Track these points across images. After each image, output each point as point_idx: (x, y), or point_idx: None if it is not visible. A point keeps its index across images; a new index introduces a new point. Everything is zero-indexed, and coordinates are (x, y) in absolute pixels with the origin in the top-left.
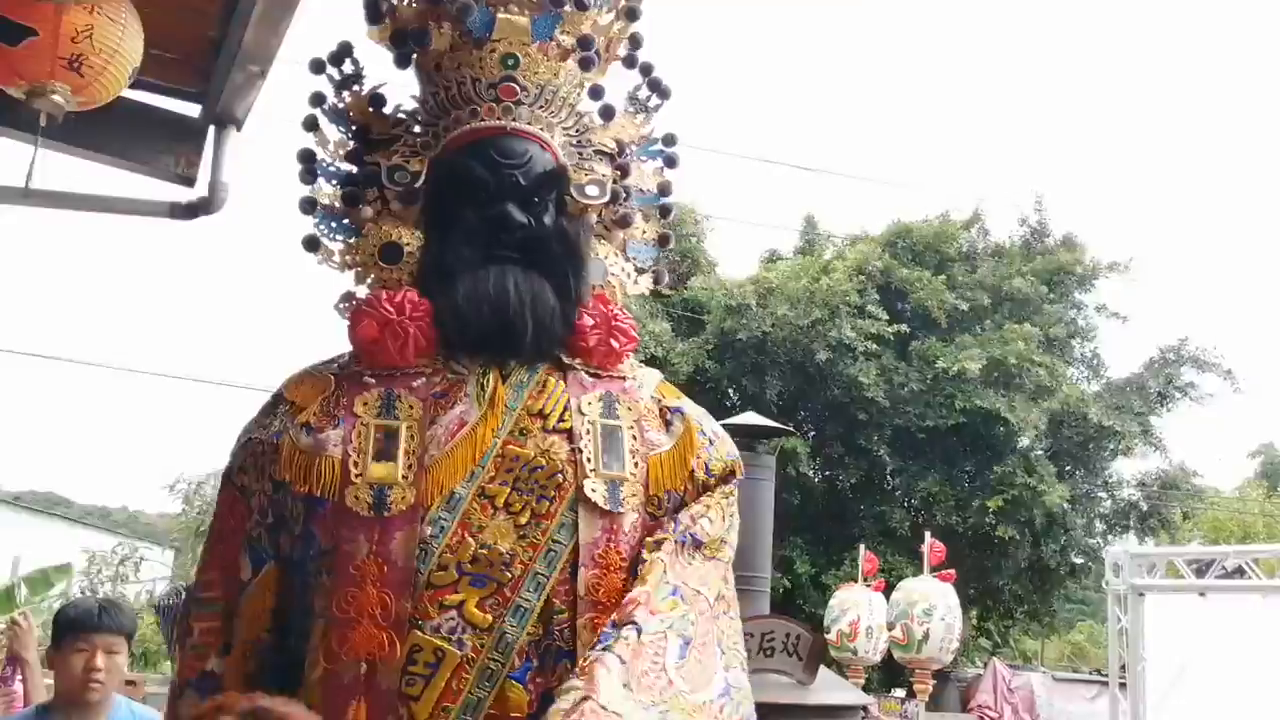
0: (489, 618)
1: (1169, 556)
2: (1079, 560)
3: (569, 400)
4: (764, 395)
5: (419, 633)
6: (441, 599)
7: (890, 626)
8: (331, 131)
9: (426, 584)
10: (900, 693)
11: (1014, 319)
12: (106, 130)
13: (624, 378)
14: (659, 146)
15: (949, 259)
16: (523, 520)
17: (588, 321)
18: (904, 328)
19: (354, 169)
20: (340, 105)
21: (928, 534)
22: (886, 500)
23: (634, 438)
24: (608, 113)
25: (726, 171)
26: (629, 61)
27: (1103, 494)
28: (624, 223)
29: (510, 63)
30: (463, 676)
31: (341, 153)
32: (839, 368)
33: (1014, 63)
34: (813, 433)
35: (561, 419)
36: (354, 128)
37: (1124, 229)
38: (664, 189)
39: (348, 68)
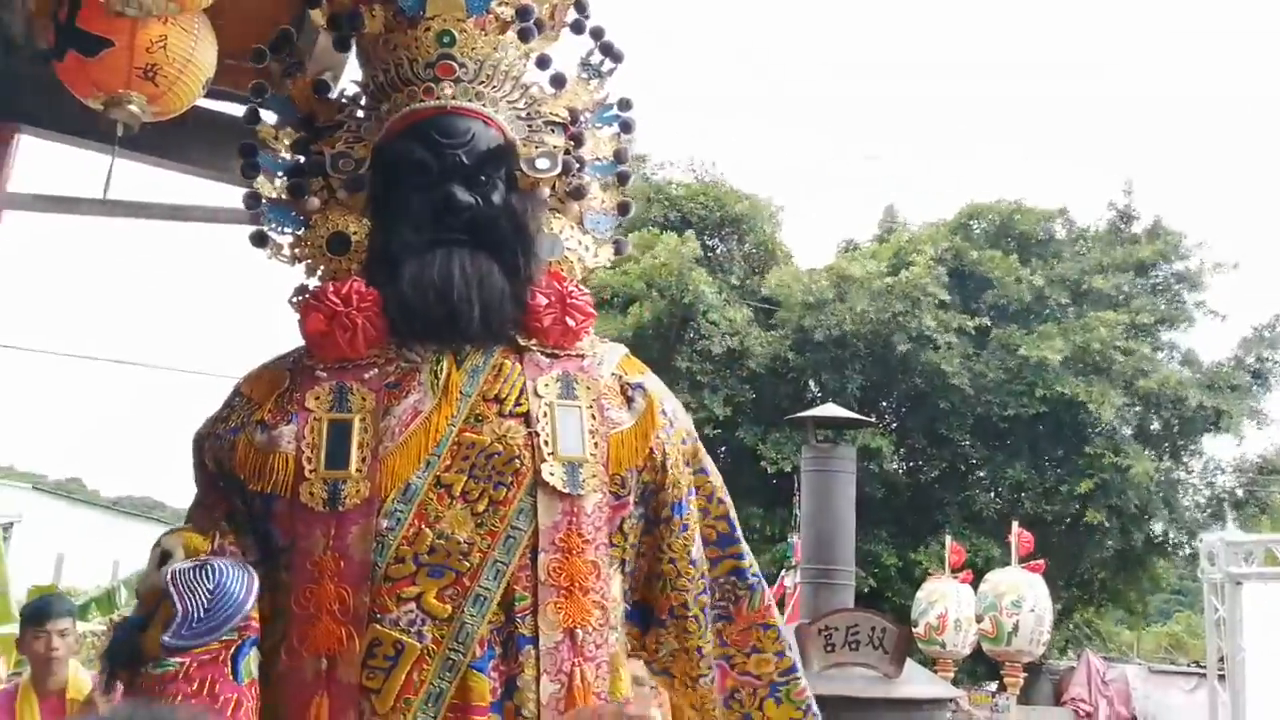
0: (448, 608)
1: (1267, 544)
2: (1172, 544)
3: (525, 383)
4: (845, 389)
5: (378, 626)
6: (399, 591)
7: (979, 619)
8: (279, 122)
9: (384, 577)
10: (992, 686)
11: (1098, 308)
12: (182, 139)
13: (582, 356)
14: (614, 112)
15: (1028, 242)
16: (480, 508)
17: (541, 300)
18: (985, 320)
19: (301, 159)
20: (283, 95)
21: (1015, 524)
22: (972, 487)
23: (593, 417)
24: (559, 81)
25: (805, 160)
26: (576, 27)
27: (1197, 480)
28: (578, 194)
29: (446, 40)
30: (424, 668)
31: (288, 143)
32: (920, 358)
33: (1100, 44)
34: (894, 425)
35: (518, 403)
36: (299, 116)
37: (1214, 214)
38: (620, 155)
39: (288, 56)
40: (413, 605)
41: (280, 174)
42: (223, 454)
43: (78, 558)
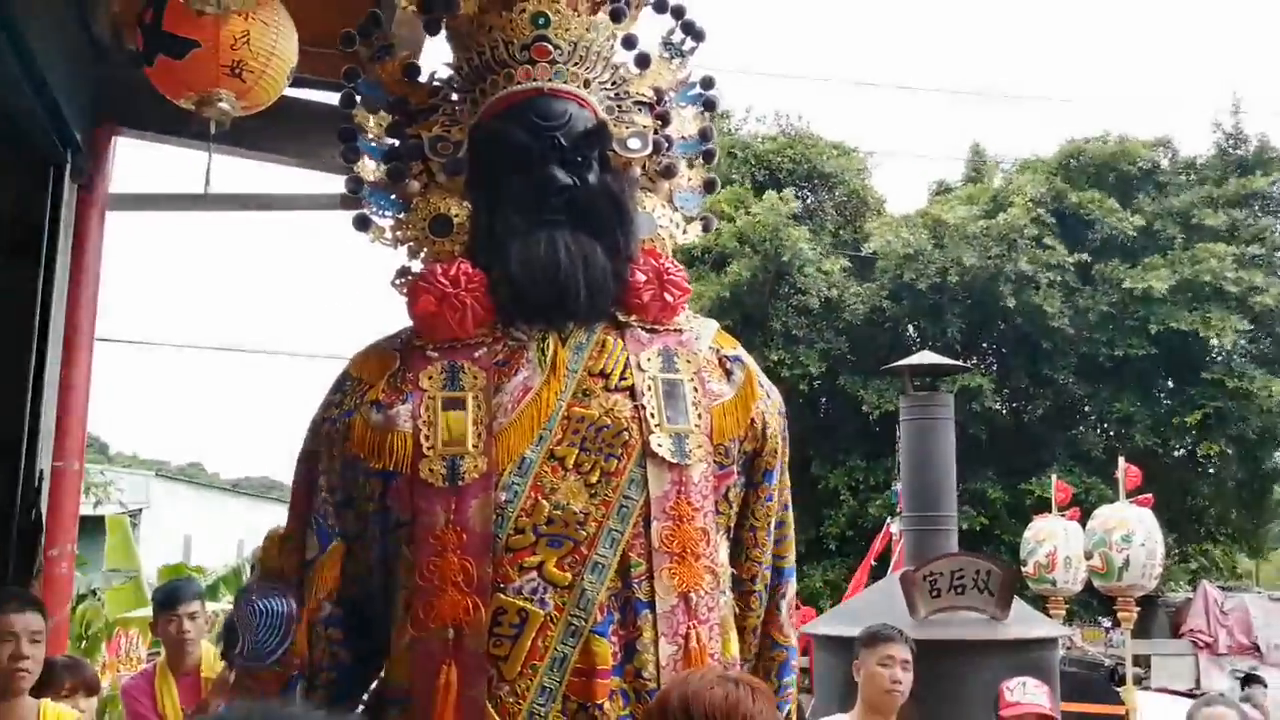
0: (568, 576)
1: None
2: None
3: (628, 358)
4: (944, 335)
5: (502, 595)
6: (521, 561)
7: (1088, 555)
8: (371, 106)
9: (505, 548)
10: (1107, 622)
11: (1208, 241)
12: (273, 130)
13: (680, 330)
14: (697, 90)
15: (1130, 179)
16: (593, 479)
17: (640, 277)
18: (1085, 256)
19: (396, 143)
20: (373, 79)
21: (1121, 459)
22: (1078, 424)
23: (695, 390)
24: (643, 61)
25: (887, 104)
26: (659, 6)
27: None
28: (669, 173)
29: (541, 22)
30: (547, 634)
31: (383, 127)
32: (1021, 298)
33: None
34: (995, 367)
35: (623, 377)
36: (391, 100)
37: None
38: (705, 134)
39: (378, 39)
40: (534, 574)
41: (377, 158)
42: (337, 435)
43: (204, 539)
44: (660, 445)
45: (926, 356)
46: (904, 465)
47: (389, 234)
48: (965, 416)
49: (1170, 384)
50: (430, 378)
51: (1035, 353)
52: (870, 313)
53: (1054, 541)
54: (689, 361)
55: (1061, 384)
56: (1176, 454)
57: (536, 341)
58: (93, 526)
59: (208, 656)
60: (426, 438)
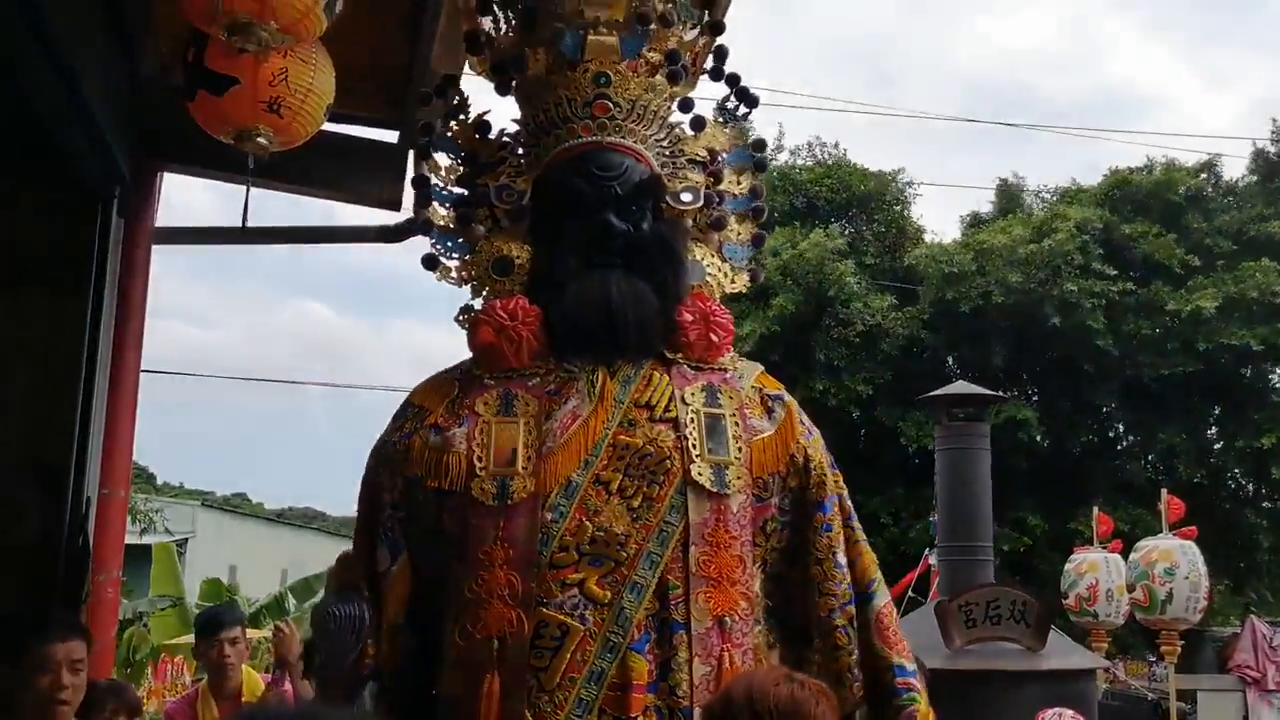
0: (608, 594)
1: None
2: None
3: (673, 391)
4: (988, 361)
5: (544, 610)
6: (563, 578)
7: (1130, 588)
8: (442, 158)
9: (549, 564)
10: (1152, 656)
11: (1255, 259)
12: (312, 164)
13: (724, 370)
14: (749, 153)
15: (1176, 206)
16: (635, 503)
17: (687, 318)
18: (1130, 285)
19: (465, 191)
20: (449, 134)
21: (1164, 491)
22: (1122, 455)
23: (736, 424)
24: (699, 123)
25: (924, 137)
26: (715, 74)
27: None
28: (718, 225)
29: (602, 81)
30: (586, 649)
31: (453, 177)
32: (1067, 321)
33: None
34: (1037, 395)
35: (667, 409)
36: (463, 154)
37: None
38: (755, 192)
39: (453, 98)
40: (575, 591)
41: (446, 204)
42: (398, 457)
43: (248, 568)
44: (701, 474)
45: (962, 386)
46: (940, 495)
47: (455, 273)
48: (1007, 448)
49: (1218, 411)
50: (486, 404)
51: (1079, 378)
52: (909, 342)
53: (1095, 574)
54: (731, 398)
55: (1105, 412)
56: (1228, 485)
57: (587, 374)
58: (138, 555)
59: (249, 681)
60: (480, 459)
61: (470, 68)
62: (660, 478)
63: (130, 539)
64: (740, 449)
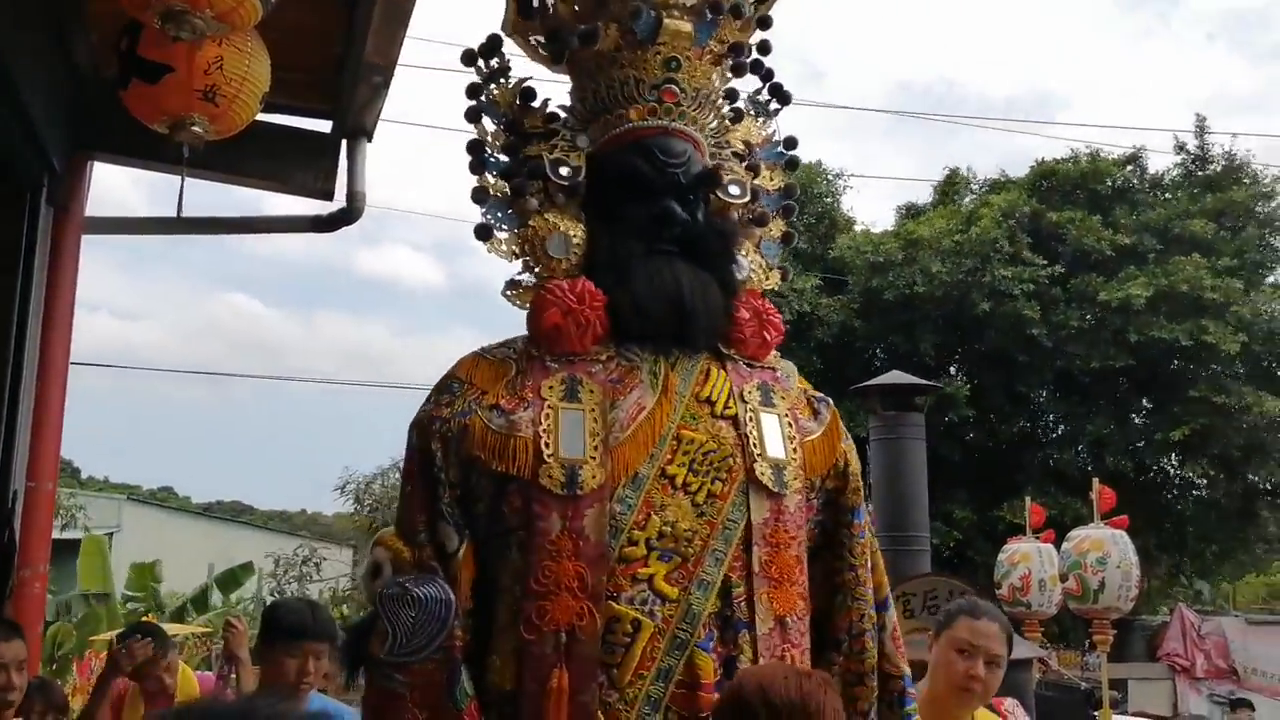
0: (676, 590)
1: None
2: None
3: (732, 388)
4: (916, 350)
5: (615, 604)
6: (634, 573)
7: (1063, 578)
8: (488, 123)
9: (619, 558)
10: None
11: (1184, 254)
12: (246, 154)
13: (774, 369)
14: (780, 149)
15: (1103, 197)
16: (700, 499)
17: (744, 315)
18: (1060, 268)
19: (509, 160)
20: (489, 98)
21: (1095, 481)
22: (1053, 445)
23: (789, 424)
24: (737, 116)
25: (860, 128)
26: (755, 67)
27: None
28: (761, 221)
29: (673, 65)
30: (655, 645)
31: (499, 144)
32: (997, 313)
33: None
34: (969, 385)
35: (727, 406)
36: (504, 119)
37: None
38: (789, 190)
39: (495, 61)
40: (645, 586)
41: (495, 173)
42: (453, 435)
43: (174, 562)
44: (763, 473)
45: (896, 376)
46: (875, 486)
47: (504, 246)
48: (937, 436)
49: (1147, 403)
50: (550, 388)
51: (1011, 368)
52: (841, 332)
53: (1028, 564)
54: (784, 398)
55: (1037, 401)
56: (1153, 475)
57: (649, 364)
58: (60, 549)
59: (185, 680)
60: (547, 445)
61: (506, 30)
62: (724, 474)
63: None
64: (795, 449)
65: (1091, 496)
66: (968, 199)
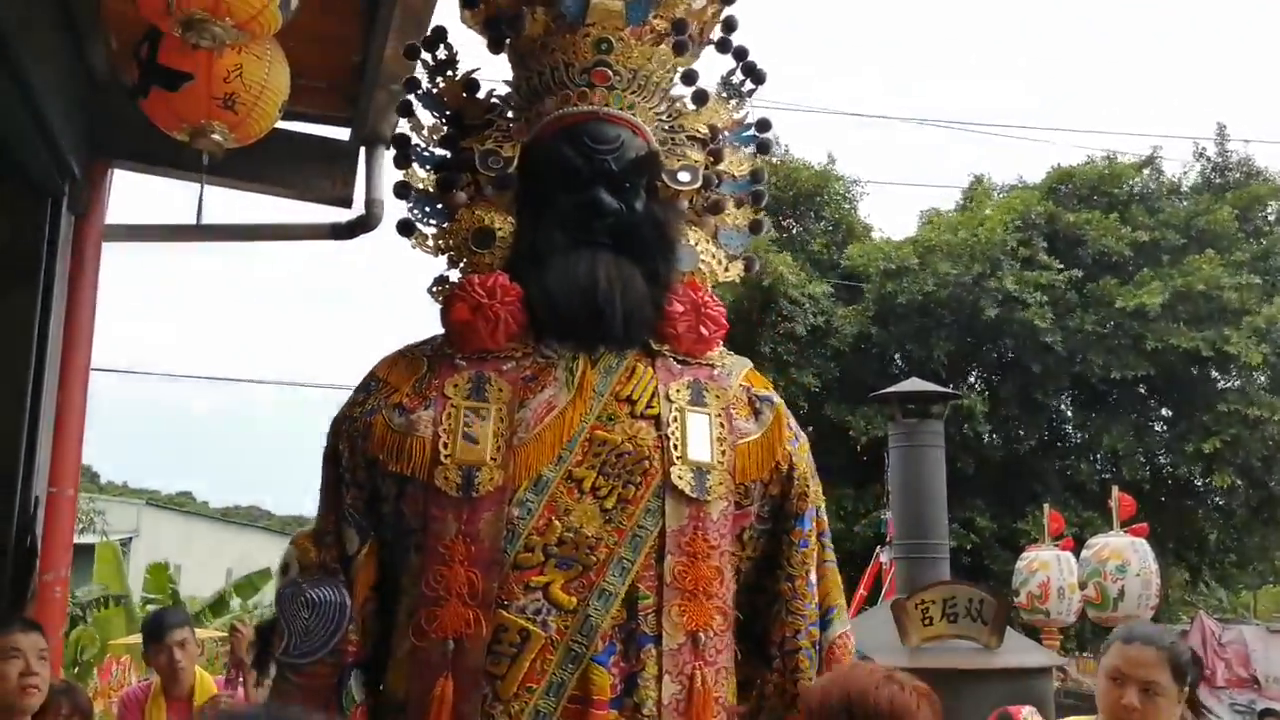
0: (573, 600)
1: None
2: None
3: (657, 386)
4: (931, 357)
5: (504, 612)
6: (528, 580)
7: (1082, 585)
8: (426, 117)
9: (513, 565)
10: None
11: (1201, 252)
12: (264, 162)
13: (712, 365)
14: (752, 132)
15: (1120, 200)
16: (609, 505)
17: (678, 308)
18: (1077, 272)
19: (448, 154)
20: (435, 90)
21: (1115, 488)
22: (1071, 454)
23: (721, 425)
24: (700, 98)
25: (885, 137)
26: (722, 46)
27: None
28: (715, 209)
29: (603, 47)
30: (547, 658)
31: (436, 138)
32: (1010, 319)
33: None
34: (986, 393)
35: (649, 405)
36: (448, 113)
37: None
38: (756, 175)
39: (441, 53)
40: (539, 594)
41: (428, 166)
42: (358, 435)
43: (192, 567)
44: (681, 478)
45: (914, 383)
46: (894, 493)
47: (431, 242)
48: (954, 448)
49: (1167, 412)
50: (455, 386)
51: (1026, 376)
52: (857, 339)
53: (1047, 572)
54: (718, 397)
55: (1054, 410)
56: (1172, 484)
57: (566, 361)
58: (78, 553)
59: (202, 683)
60: (445, 445)
61: (463, 22)
62: (637, 478)
63: None
64: (724, 452)
65: (1110, 504)
66: (987, 207)
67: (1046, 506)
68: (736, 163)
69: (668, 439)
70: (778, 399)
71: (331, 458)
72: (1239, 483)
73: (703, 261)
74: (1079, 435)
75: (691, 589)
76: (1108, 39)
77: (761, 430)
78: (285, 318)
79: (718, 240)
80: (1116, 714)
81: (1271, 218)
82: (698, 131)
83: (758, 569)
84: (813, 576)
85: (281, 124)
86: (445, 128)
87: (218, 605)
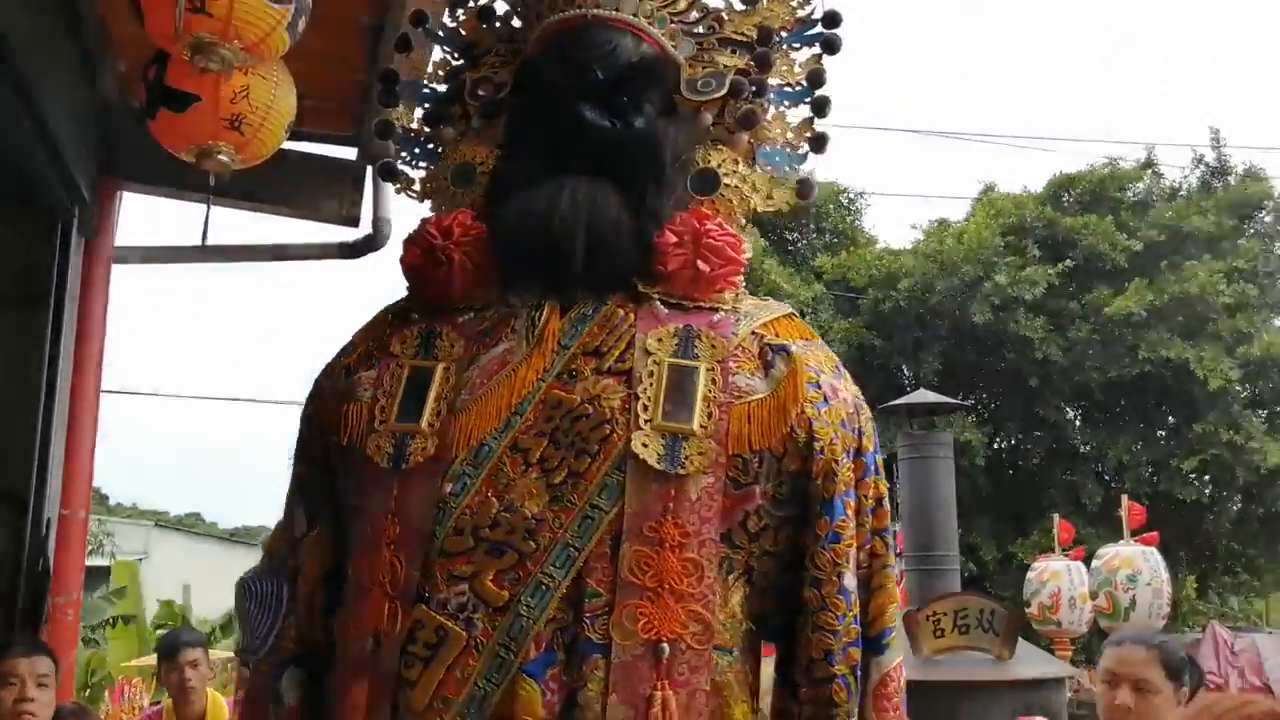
0: (504, 595)
1: None
2: None
3: (633, 336)
4: (931, 367)
5: (424, 607)
6: (453, 569)
7: (1093, 595)
8: (436, 52)
9: (440, 550)
10: None
11: (1197, 258)
12: (271, 182)
13: (715, 309)
14: (817, 29)
15: (1121, 205)
16: (557, 479)
17: (670, 239)
18: (1067, 263)
19: (446, 89)
20: (452, 24)
21: (1124, 497)
22: (1076, 469)
23: (713, 382)
24: None
25: (893, 147)
26: None
27: None
28: (747, 122)
29: None
30: (468, 664)
31: (441, 74)
32: (1005, 328)
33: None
34: (991, 406)
35: (621, 359)
36: (462, 44)
37: None
38: (815, 78)
39: None
40: (465, 587)
41: (424, 104)
42: (313, 401)
43: (202, 588)
44: (645, 445)
45: (923, 394)
46: (903, 504)
47: (418, 185)
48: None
49: (1171, 420)
50: (404, 342)
51: (1026, 389)
52: (858, 351)
53: (1058, 582)
54: (714, 346)
55: (1057, 421)
56: (1175, 497)
57: (529, 310)
58: (88, 575)
59: (214, 705)
60: (383, 410)
61: None
62: (594, 447)
63: None
64: (711, 415)
65: (1119, 515)
66: (990, 211)
67: (1056, 517)
68: (791, 68)
69: (637, 398)
70: (801, 349)
71: (299, 430)
72: (1236, 498)
73: (728, 187)
74: (1085, 445)
75: (654, 587)
76: (1104, 45)
77: (771, 388)
78: (295, 338)
79: (755, 161)
80: (1112, 715)
81: (1269, 218)
82: (744, 34)
83: (782, 568)
84: (849, 581)
85: (288, 144)
86: (455, 61)
87: (228, 626)
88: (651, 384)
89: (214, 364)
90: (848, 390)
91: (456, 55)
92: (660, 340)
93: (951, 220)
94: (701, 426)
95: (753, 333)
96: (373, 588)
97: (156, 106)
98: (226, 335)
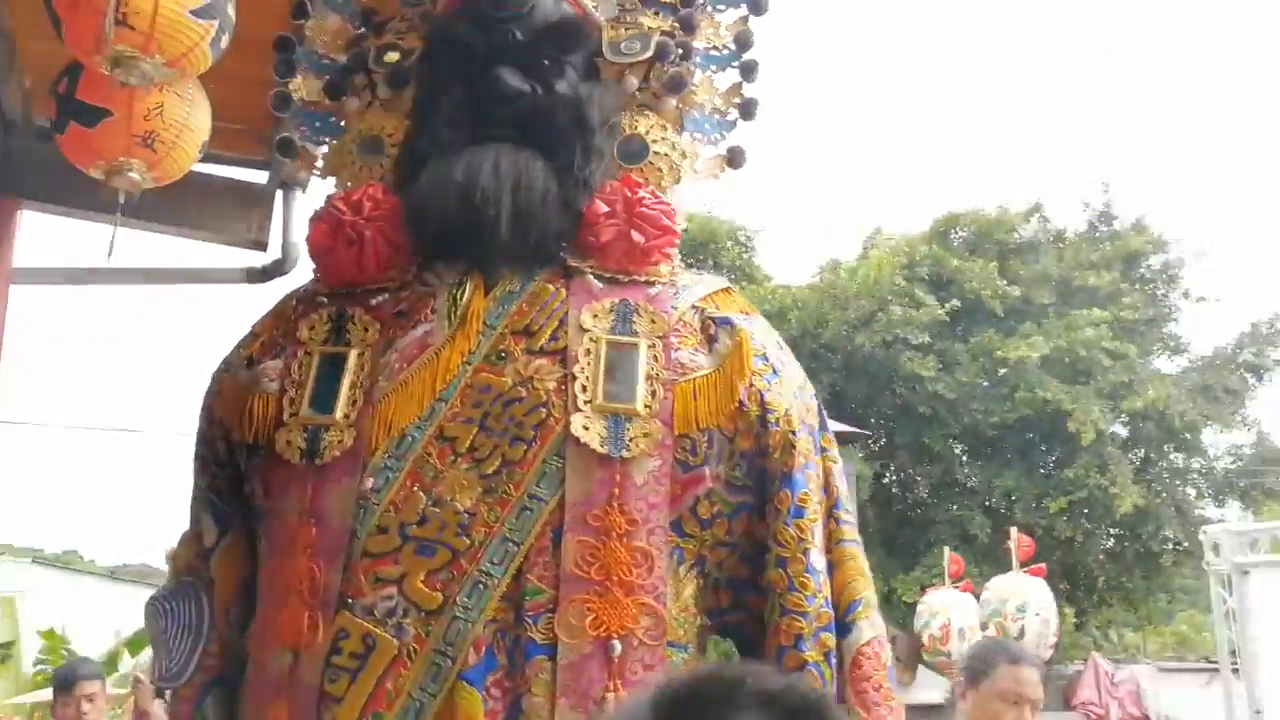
0: (438, 596)
1: (1272, 531)
2: (1173, 544)
3: (566, 313)
4: (820, 399)
5: (348, 613)
6: (378, 571)
7: (983, 626)
8: (332, 20)
9: (363, 551)
10: None
11: (1083, 308)
12: (181, 203)
13: (651, 283)
14: None
15: (1009, 249)
16: (490, 469)
17: (601, 209)
18: (955, 306)
19: (346, 60)
20: None
21: (1014, 530)
22: (963, 502)
23: (654, 359)
24: None
25: (787, 184)
26: None
27: (1195, 475)
28: (675, 86)
29: None
30: (401, 674)
31: (340, 42)
32: (897, 364)
33: (1063, 53)
34: (880, 441)
35: (554, 337)
36: (358, 9)
37: (1193, 211)
38: (743, 40)
39: None
40: (393, 590)
41: (325, 75)
42: (211, 400)
43: (81, 625)
44: (587, 429)
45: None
46: None
47: (321, 161)
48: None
49: (1053, 459)
50: (312, 327)
51: (917, 423)
52: None
53: (948, 613)
54: (654, 322)
55: (946, 456)
56: (1053, 533)
57: (450, 288)
58: None
59: None
60: (292, 401)
61: None
62: (529, 433)
63: None
64: (655, 393)
65: (1006, 548)
66: (878, 250)
67: (947, 549)
68: (718, 31)
69: (574, 379)
70: (743, 322)
71: (198, 428)
72: (1107, 534)
73: (657, 154)
74: (971, 481)
75: (602, 580)
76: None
77: (716, 363)
78: (190, 365)
79: (683, 127)
80: None
81: (1156, 266)
82: None
83: (739, 557)
84: (816, 560)
85: (200, 166)
86: (354, 29)
87: (110, 663)
88: (589, 363)
89: (95, 392)
90: (795, 365)
91: (357, 23)
92: (596, 316)
93: (842, 260)
94: (645, 406)
95: (693, 306)
96: (289, 596)
97: (66, 120)
98: (114, 361)
